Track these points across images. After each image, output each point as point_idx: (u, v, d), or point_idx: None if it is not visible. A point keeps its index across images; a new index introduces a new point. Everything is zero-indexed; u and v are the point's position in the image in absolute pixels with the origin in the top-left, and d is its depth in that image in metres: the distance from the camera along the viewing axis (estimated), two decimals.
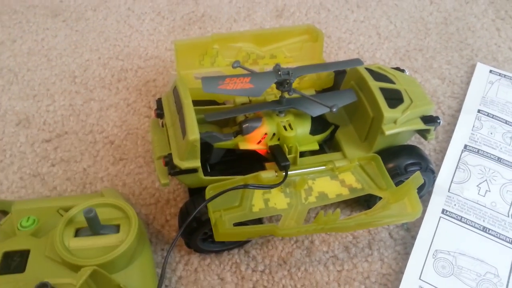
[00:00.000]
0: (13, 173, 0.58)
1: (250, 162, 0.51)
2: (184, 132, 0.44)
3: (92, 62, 0.72)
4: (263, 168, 0.49)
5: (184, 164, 0.44)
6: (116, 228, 0.43)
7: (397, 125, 0.48)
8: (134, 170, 0.58)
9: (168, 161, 0.45)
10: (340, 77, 0.56)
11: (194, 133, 0.42)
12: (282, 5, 0.83)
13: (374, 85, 0.49)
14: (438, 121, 0.50)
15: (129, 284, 0.39)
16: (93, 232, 0.42)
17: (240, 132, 0.49)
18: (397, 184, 0.47)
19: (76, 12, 0.81)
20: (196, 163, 0.44)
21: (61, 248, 0.40)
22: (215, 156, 0.50)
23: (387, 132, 0.47)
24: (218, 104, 0.56)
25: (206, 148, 0.48)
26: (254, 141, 0.49)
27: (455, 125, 0.63)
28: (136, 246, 0.42)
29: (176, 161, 0.44)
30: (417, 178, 0.45)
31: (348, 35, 0.77)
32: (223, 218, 0.41)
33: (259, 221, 0.48)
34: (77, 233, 0.42)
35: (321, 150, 0.52)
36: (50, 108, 0.65)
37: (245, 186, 0.44)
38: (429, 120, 0.50)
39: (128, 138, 0.62)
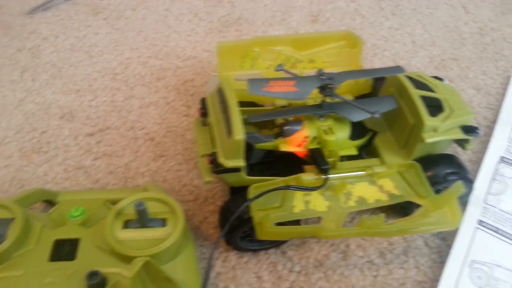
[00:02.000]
0: (57, 164, 0.60)
1: (287, 164, 0.52)
2: (229, 132, 0.45)
3: (132, 60, 0.74)
4: (300, 170, 0.50)
5: (229, 163, 0.45)
6: (163, 222, 0.44)
7: (438, 133, 0.49)
8: (173, 167, 0.60)
9: (213, 160, 0.47)
10: (378, 83, 0.57)
11: (239, 133, 0.44)
12: (317, 10, 0.84)
13: (415, 93, 0.50)
14: (478, 131, 0.51)
15: (175, 276, 0.41)
16: (141, 225, 0.43)
17: (281, 134, 0.50)
18: (435, 192, 0.48)
19: (116, 11, 0.84)
20: (240, 162, 0.46)
21: (112, 238, 0.42)
22: (255, 157, 0.51)
23: (428, 140, 0.48)
24: (257, 105, 0.57)
25: (246, 148, 0.49)
26: (295, 143, 0.50)
27: (490, 136, 0.63)
28: (181, 241, 0.44)
29: (221, 159, 0.46)
30: (459, 187, 0.45)
31: (383, 42, 0.78)
32: (269, 217, 0.42)
33: (296, 222, 0.49)
34: (126, 225, 0.44)
35: (359, 156, 0.52)
36: (92, 103, 0.67)
37: (288, 187, 0.45)
38: (468, 130, 0.51)
39: (168, 135, 0.63)
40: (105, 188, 0.57)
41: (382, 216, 0.42)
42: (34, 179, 0.59)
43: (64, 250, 0.43)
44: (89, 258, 0.42)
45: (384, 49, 0.76)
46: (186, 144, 0.62)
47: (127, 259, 0.41)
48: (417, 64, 0.74)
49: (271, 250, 0.52)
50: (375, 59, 0.75)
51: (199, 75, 0.72)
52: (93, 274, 0.38)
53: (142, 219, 0.43)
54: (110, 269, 0.40)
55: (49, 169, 0.60)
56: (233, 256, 0.52)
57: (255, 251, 0.52)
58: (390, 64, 0.74)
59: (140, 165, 0.60)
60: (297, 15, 0.83)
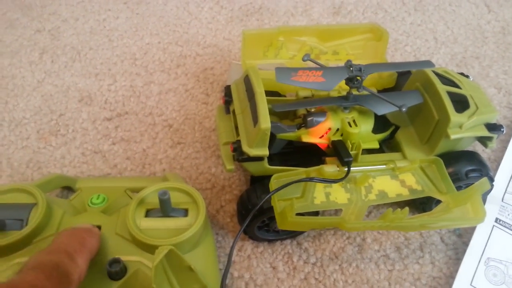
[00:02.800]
0: (75, 148, 0.60)
1: (307, 155, 0.52)
2: (255, 120, 0.45)
3: (152, 45, 0.74)
4: (320, 162, 0.50)
5: (253, 152, 0.45)
6: (185, 212, 0.44)
7: (462, 130, 0.48)
8: (191, 154, 0.60)
9: (237, 148, 0.46)
10: (403, 78, 0.57)
11: (266, 122, 0.43)
12: (340, 2, 0.83)
13: (442, 88, 0.49)
14: (502, 129, 0.50)
15: (194, 266, 0.40)
16: (164, 214, 0.43)
17: (304, 125, 0.49)
18: (456, 189, 0.48)
19: None
20: (265, 151, 0.45)
21: (134, 226, 0.42)
22: (276, 147, 0.51)
23: (453, 136, 0.47)
24: (280, 95, 0.57)
25: (269, 138, 0.49)
26: (317, 135, 0.49)
27: (510, 135, 0.62)
28: (202, 231, 0.44)
29: (245, 148, 0.45)
30: (483, 183, 0.45)
31: (405, 37, 0.77)
32: (294, 207, 0.42)
33: (315, 213, 0.48)
34: (148, 213, 0.44)
35: (380, 150, 0.52)
36: (111, 88, 0.67)
37: (311, 179, 0.45)
38: (492, 127, 0.50)
39: (186, 123, 0.63)
40: (122, 173, 0.57)
41: (406, 209, 0.42)
42: (51, 161, 0.59)
43: None
44: (110, 245, 0.42)
45: (406, 44, 0.76)
46: (204, 132, 0.62)
47: (148, 248, 0.41)
48: (439, 60, 0.73)
49: (287, 241, 0.52)
50: (396, 54, 0.74)
51: (219, 63, 0.71)
52: (114, 262, 0.39)
53: (164, 209, 0.43)
54: (131, 257, 0.40)
55: (67, 152, 0.60)
56: (248, 245, 0.52)
57: (271, 241, 0.52)
58: (411, 59, 0.73)
59: (157, 151, 0.60)
60: (319, 6, 0.82)
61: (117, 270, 0.38)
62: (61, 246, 0.37)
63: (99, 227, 0.43)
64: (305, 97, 0.55)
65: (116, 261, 0.39)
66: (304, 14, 0.80)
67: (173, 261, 0.36)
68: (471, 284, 0.49)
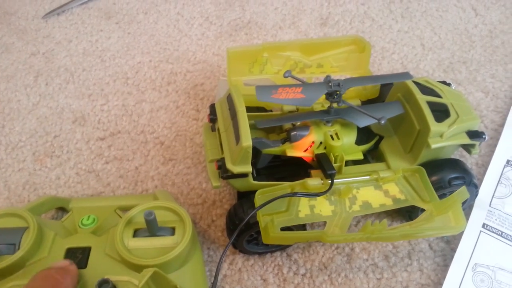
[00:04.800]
0: (69, 168, 0.61)
1: (294, 168, 0.53)
2: (237, 138, 0.46)
3: (143, 64, 0.75)
4: (307, 174, 0.51)
5: (236, 169, 0.46)
6: (172, 231, 0.45)
7: (443, 139, 0.49)
8: (182, 170, 0.61)
9: (221, 165, 0.48)
10: (386, 88, 0.58)
11: (247, 140, 0.45)
12: (327, 13, 0.84)
13: (422, 99, 0.50)
14: (484, 136, 0.51)
15: (183, 284, 0.42)
16: (151, 234, 0.44)
17: (288, 139, 0.50)
18: (440, 197, 0.48)
19: (128, 15, 0.85)
20: (248, 168, 0.46)
21: (122, 247, 0.43)
22: (262, 161, 0.52)
23: (433, 146, 0.48)
24: (266, 110, 0.58)
25: (254, 153, 0.50)
26: (301, 148, 0.50)
27: (498, 139, 0.63)
28: (189, 249, 0.45)
29: (229, 165, 0.47)
30: (462, 192, 0.46)
31: (392, 45, 0.78)
32: (274, 222, 0.43)
33: (302, 226, 0.49)
34: (135, 233, 0.45)
35: (365, 160, 0.53)
36: (104, 108, 0.69)
37: (294, 194, 0.46)
38: (474, 135, 0.51)
39: (177, 139, 0.65)
40: (115, 191, 0.59)
41: (385, 221, 0.43)
42: (47, 182, 0.60)
43: (76, 258, 0.44)
44: (99, 266, 0.43)
45: (393, 52, 0.77)
46: (195, 147, 0.64)
47: (136, 268, 0.42)
48: (426, 67, 0.74)
49: (277, 253, 0.53)
50: (383, 62, 0.75)
51: (208, 79, 0.73)
52: (103, 282, 0.40)
53: (151, 228, 0.44)
54: (120, 277, 0.41)
55: (62, 172, 0.61)
56: (239, 258, 0.53)
57: (261, 254, 0.53)
58: (399, 67, 0.74)
59: (149, 168, 0.61)
60: (307, 18, 0.83)
61: None
62: None
63: (89, 248, 0.44)
64: (289, 112, 0.56)
65: (105, 281, 0.40)
66: (292, 27, 0.82)
67: (159, 281, 0.37)
68: None
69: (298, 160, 0.52)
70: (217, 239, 0.55)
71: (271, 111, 0.59)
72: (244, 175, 0.48)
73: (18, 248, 0.43)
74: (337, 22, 0.82)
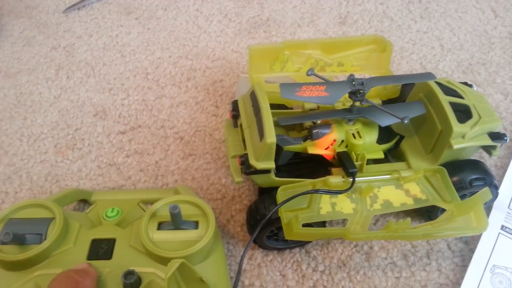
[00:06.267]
0: (91, 161, 0.62)
1: (314, 166, 0.53)
2: (261, 134, 0.47)
3: (163, 60, 0.76)
4: (326, 172, 0.51)
5: (259, 165, 0.47)
6: (195, 224, 0.46)
7: (465, 140, 0.49)
8: (202, 165, 0.62)
9: (244, 161, 0.48)
10: (407, 88, 0.58)
11: (271, 137, 0.45)
12: (346, 12, 0.84)
13: (444, 99, 0.50)
14: (505, 138, 0.51)
15: (206, 277, 0.42)
16: (175, 227, 0.45)
17: (310, 137, 0.51)
18: (460, 198, 0.49)
19: (148, 11, 0.86)
20: (271, 164, 0.47)
21: (147, 239, 0.43)
22: (283, 158, 0.52)
23: (455, 146, 0.49)
24: (286, 108, 0.58)
25: (276, 150, 0.50)
26: (323, 146, 0.51)
27: None
28: (212, 242, 0.45)
29: (252, 161, 0.47)
30: (485, 193, 0.46)
31: (411, 45, 0.78)
32: (298, 218, 0.44)
33: (322, 224, 0.50)
34: (160, 226, 0.46)
35: (385, 159, 0.53)
36: (124, 102, 0.70)
37: (317, 191, 0.47)
38: (496, 136, 0.51)
39: (197, 135, 0.65)
40: (136, 185, 0.59)
41: (408, 220, 0.43)
42: (68, 174, 0.61)
43: (101, 249, 0.45)
44: (124, 257, 0.44)
45: (412, 52, 0.77)
46: (214, 143, 0.64)
47: (160, 260, 0.43)
48: (445, 68, 0.74)
49: (296, 249, 0.53)
50: (402, 62, 0.75)
51: (227, 75, 0.73)
52: (129, 273, 0.41)
53: (176, 222, 0.44)
54: (144, 268, 0.42)
55: (83, 165, 0.62)
56: (258, 254, 0.53)
57: (280, 249, 0.53)
58: (418, 67, 0.74)
59: (169, 163, 0.62)
60: (325, 17, 0.83)
61: (131, 282, 0.40)
62: None
63: (114, 240, 0.45)
64: (311, 109, 0.56)
65: (131, 272, 0.40)
66: (310, 25, 0.82)
67: (185, 273, 0.38)
68: None
69: (318, 158, 0.52)
70: (236, 234, 0.55)
71: (291, 108, 0.59)
72: (266, 171, 0.48)
73: (45, 238, 0.44)
74: (355, 21, 0.82)
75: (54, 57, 0.78)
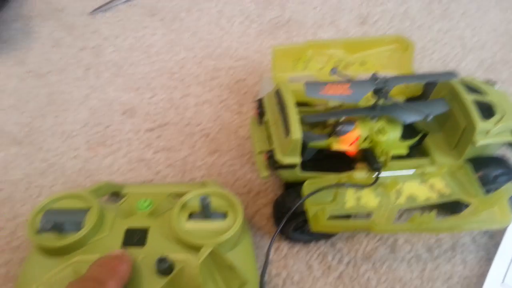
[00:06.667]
0: (121, 157, 0.65)
1: (336, 162, 0.54)
2: (287, 131, 0.48)
3: (187, 60, 0.78)
4: (349, 168, 0.52)
5: (286, 160, 0.48)
6: (224, 215, 0.48)
7: (489, 136, 0.50)
8: (227, 161, 0.63)
9: (271, 156, 0.50)
10: (429, 86, 0.59)
11: (297, 133, 0.47)
12: (366, 12, 0.85)
13: (467, 97, 0.51)
14: None
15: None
16: (205, 217, 0.47)
17: (334, 133, 0.52)
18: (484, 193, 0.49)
19: (172, 12, 0.88)
20: (296, 160, 0.49)
21: (178, 228, 0.45)
22: (308, 155, 0.54)
23: (479, 143, 0.49)
24: (310, 106, 0.60)
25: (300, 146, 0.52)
26: (347, 143, 0.52)
27: None
28: (240, 232, 0.47)
29: (278, 156, 0.49)
30: (509, 188, 0.47)
31: (432, 44, 0.79)
32: (326, 211, 0.45)
33: (347, 217, 0.51)
34: (190, 216, 0.48)
35: (409, 155, 0.54)
36: (151, 101, 0.72)
37: (342, 184, 0.48)
38: None
39: (222, 132, 0.67)
40: (165, 179, 0.61)
41: (433, 213, 0.45)
42: (100, 169, 0.63)
43: (135, 237, 0.47)
44: (157, 245, 0.46)
45: (433, 51, 0.77)
46: (239, 140, 0.66)
47: (191, 247, 0.45)
48: (466, 67, 0.75)
49: (321, 242, 0.55)
50: (424, 61, 0.76)
51: (250, 75, 0.75)
52: (162, 260, 0.43)
53: (205, 212, 0.46)
54: (176, 255, 0.44)
55: (114, 160, 0.64)
56: (285, 245, 0.55)
57: (306, 242, 0.55)
58: (439, 66, 0.75)
59: (196, 159, 0.64)
60: (346, 17, 0.85)
61: (165, 267, 0.42)
62: (93, 274, 0.40)
63: (147, 229, 0.47)
64: (334, 107, 0.58)
65: (164, 259, 0.42)
66: (331, 25, 0.83)
67: (215, 259, 0.40)
68: (502, 283, 0.50)
69: (341, 155, 0.54)
70: (262, 227, 0.57)
71: (314, 107, 0.61)
72: (292, 166, 0.50)
73: (82, 227, 0.46)
74: (376, 21, 0.84)
75: (82, 57, 0.80)
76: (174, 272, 0.43)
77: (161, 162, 0.64)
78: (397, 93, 0.60)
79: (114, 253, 0.43)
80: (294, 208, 0.48)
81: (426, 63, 0.76)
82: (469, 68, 0.75)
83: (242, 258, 0.47)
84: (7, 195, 0.61)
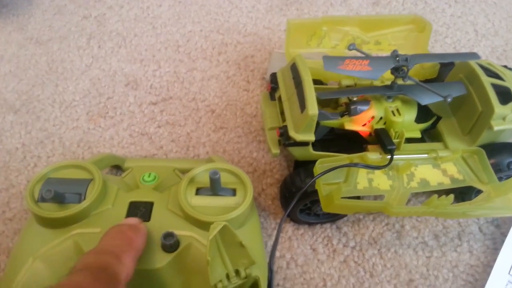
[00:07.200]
0: (123, 129, 0.63)
1: (347, 143, 0.53)
2: (302, 106, 0.46)
3: (194, 33, 0.76)
4: (360, 149, 0.51)
5: (299, 137, 0.47)
6: (233, 192, 0.46)
7: (506, 122, 0.49)
8: (233, 139, 0.62)
9: (283, 133, 0.48)
10: (445, 69, 0.57)
11: (313, 108, 0.45)
12: None
13: (486, 80, 0.50)
14: None
15: None
16: (213, 193, 0.45)
17: (348, 113, 0.50)
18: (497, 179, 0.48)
19: None
20: (311, 137, 0.47)
21: (186, 203, 0.44)
22: (319, 133, 0.52)
23: (496, 128, 0.48)
24: (323, 83, 0.58)
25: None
26: (360, 123, 0.51)
27: None
28: (249, 211, 0.45)
29: (292, 133, 0.47)
30: None
31: (445, 29, 0.77)
32: (341, 190, 0.43)
33: (357, 199, 0.50)
34: (198, 192, 0.46)
35: (421, 139, 0.53)
36: (156, 73, 0.69)
37: (355, 164, 0.47)
38: None
39: (228, 108, 0.65)
40: (168, 154, 0.60)
41: (451, 196, 0.43)
42: (100, 141, 0.61)
43: (139, 211, 0.45)
44: (162, 220, 0.44)
45: (446, 36, 0.76)
46: (246, 117, 0.64)
47: (199, 224, 0.43)
48: (479, 53, 0.71)
49: (327, 225, 0.54)
50: (436, 45, 0.74)
51: (259, 51, 0.73)
52: (168, 235, 0.41)
53: (215, 187, 0.44)
54: (183, 231, 0.42)
55: (115, 133, 0.62)
56: (289, 227, 0.53)
57: (311, 224, 0.53)
58: (451, 51, 0.74)
59: (201, 135, 0.62)
60: None
61: (171, 243, 0.40)
62: (108, 247, 0.38)
63: (151, 203, 0.45)
64: (347, 86, 0.56)
65: (170, 234, 0.41)
66: (343, 4, 0.81)
67: (225, 236, 0.38)
68: (509, 273, 0.49)
69: (352, 135, 0.52)
70: (267, 207, 0.55)
71: (327, 84, 0.59)
72: (305, 144, 0.48)
73: (84, 198, 0.44)
74: (389, 2, 0.81)
75: (85, 26, 0.78)
76: (179, 248, 0.41)
77: (164, 136, 0.62)
78: (412, 75, 0.58)
79: (130, 221, 0.41)
80: (306, 187, 0.46)
81: (439, 47, 0.74)
82: (481, 54, 0.72)
83: (249, 237, 0.45)
84: (1, 164, 0.59)
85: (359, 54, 0.50)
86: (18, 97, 0.66)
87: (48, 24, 0.78)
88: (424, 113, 0.52)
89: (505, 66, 0.57)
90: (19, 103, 0.66)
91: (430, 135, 0.54)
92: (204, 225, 0.42)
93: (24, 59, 0.72)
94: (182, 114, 0.64)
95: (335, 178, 0.47)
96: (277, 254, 0.51)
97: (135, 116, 0.64)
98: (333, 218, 0.53)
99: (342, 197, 0.46)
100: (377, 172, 0.49)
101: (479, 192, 0.49)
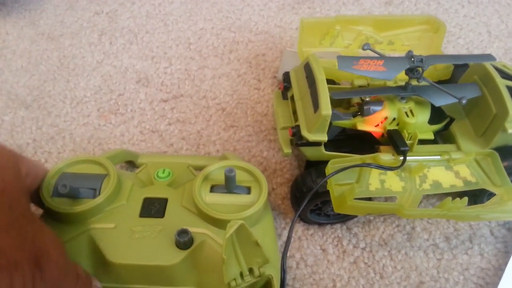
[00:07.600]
0: (133, 126, 0.63)
1: (358, 143, 0.53)
2: (316, 106, 0.46)
3: (206, 31, 0.76)
4: (372, 150, 0.51)
5: (312, 137, 0.46)
6: (248, 190, 0.46)
7: None
8: (244, 137, 0.61)
9: (296, 132, 0.48)
10: (459, 70, 0.57)
11: (327, 108, 0.45)
12: None
13: (501, 82, 0.49)
14: None
15: None
16: (228, 190, 0.45)
17: (360, 113, 0.50)
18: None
19: None
20: (323, 137, 0.47)
21: (200, 200, 0.43)
22: (331, 133, 0.52)
23: (510, 131, 0.48)
24: (335, 83, 0.58)
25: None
26: (373, 123, 0.50)
27: None
28: (263, 209, 0.45)
29: (304, 133, 0.47)
30: None
31: (458, 29, 0.76)
32: (354, 191, 0.43)
33: (369, 200, 0.50)
34: (212, 189, 0.46)
35: (434, 141, 0.53)
36: (167, 71, 0.69)
37: (368, 165, 0.46)
38: None
39: (239, 107, 0.65)
40: (178, 152, 0.60)
41: (465, 199, 0.43)
42: (111, 138, 0.61)
43: (153, 208, 0.45)
44: (176, 217, 0.44)
45: (459, 37, 0.75)
46: (257, 116, 0.64)
47: (213, 221, 0.43)
48: (492, 54, 0.72)
49: (337, 225, 0.53)
50: (449, 46, 0.74)
51: (270, 50, 0.73)
52: (182, 232, 0.41)
53: (229, 185, 0.44)
54: (197, 229, 0.42)
55: (126, 130, 0.62)
56: (299, 227, 0.53)
57: (321, 224, 0.53)
58: (464, 52, 0.73)
59: (211, 133, 0.62)
60: None
61: (185, 240, 0.40)
62: None
63: (166, 199, 0.45)
64: (360, 86, 0.56)
65: (184, 231, 0.41)
66: (355, 4, 0.80)
67: (241, 235, 0.38)
68: None
69: (363, 135, 0.52)
70: (277, 207, 0.55)
71: (339, 84, 0.59)
72: (317, 144, 0.48)
73: (99, 194, 0.44)
74: (402, 2, 0.81)
75: (97, 22, 0.78)
76: (193, 246, 0.41)
77: (175, 134, 0.62)
78: (425, 76, 0.57)
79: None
80: (317, 187, 0.46)
81: (451, 48, 0.73)
82: (494, 55, 0.72)
83: (263, 236, 0.45)
84: None
85: (372, 54, 0.50)
86: (29, 93, 0.67)
87: (60, 19, 0.78)
88: (437, 114, 0.52)
89: None
90: (30, 98, 0.66)
91: (443, 136, 0.54)
92: (218, 223, 0.42)
93: (35, 55, 0.72)
94: (192, 112, 0.64)
95: (346, 179, 0.47)
96: (287, 254, 0.51)
97: (146, 113, 0.64)
98: (343, 218, 0.53)
99: (354, 199, 0.46)
100: (389, 173, 0.48)
101: (491, 195, 0.49)
